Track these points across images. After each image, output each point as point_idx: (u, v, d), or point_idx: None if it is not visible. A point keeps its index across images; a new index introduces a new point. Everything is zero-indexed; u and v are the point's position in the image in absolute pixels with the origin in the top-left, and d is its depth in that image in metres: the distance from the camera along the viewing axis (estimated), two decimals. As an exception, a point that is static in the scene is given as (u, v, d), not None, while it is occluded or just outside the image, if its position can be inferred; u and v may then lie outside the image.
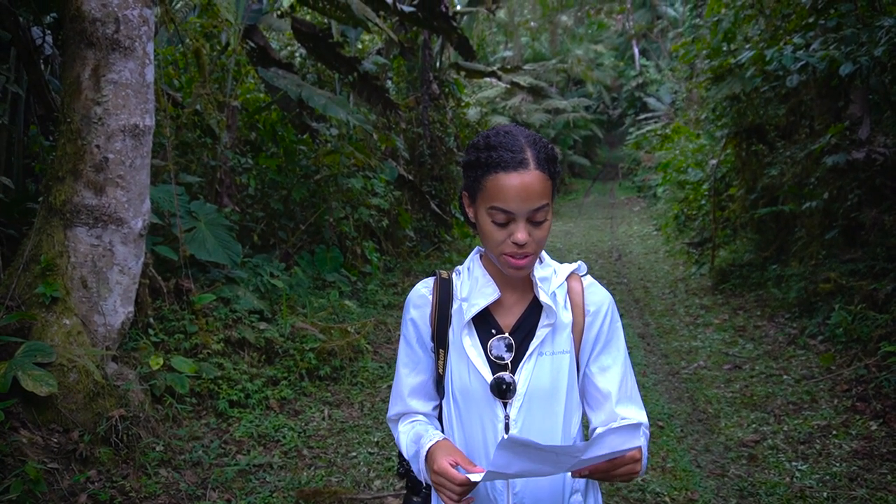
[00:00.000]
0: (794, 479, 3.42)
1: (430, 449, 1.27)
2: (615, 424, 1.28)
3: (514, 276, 1.30)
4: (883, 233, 5.37)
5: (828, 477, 3.40)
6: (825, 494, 3.23)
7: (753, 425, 4.15)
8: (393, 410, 1.44)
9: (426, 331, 1.37)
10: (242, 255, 5.52)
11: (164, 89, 5.22)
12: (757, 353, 5.54)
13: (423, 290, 1.40)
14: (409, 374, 1.41)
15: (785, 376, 4.93)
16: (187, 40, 6.17)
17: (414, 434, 1.36)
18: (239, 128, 6.84)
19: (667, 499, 3.29)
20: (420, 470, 1.30)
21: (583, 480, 1.35)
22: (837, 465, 3.53)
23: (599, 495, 1.41)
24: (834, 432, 3.91)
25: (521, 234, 1.22)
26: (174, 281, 4.57)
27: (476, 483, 1.19)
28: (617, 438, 1.09)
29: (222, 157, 6.00)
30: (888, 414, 3.95)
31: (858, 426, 3.93)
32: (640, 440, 1.11)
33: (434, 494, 1.41)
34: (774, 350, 5.55)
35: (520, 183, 1.20)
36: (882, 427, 3.86)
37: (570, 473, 1.31)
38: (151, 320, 4.22)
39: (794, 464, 3.59)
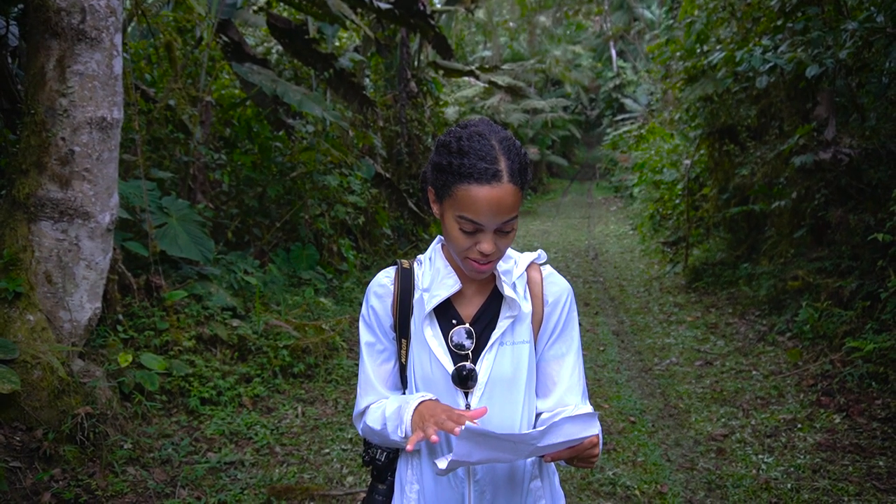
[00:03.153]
0: (760, 472, 3.49)
1: (423, 401, 1.25)
2: (571, 412, 1.28)
3: (476, 278, 1.31)
4: (848, 232, 5.49)
5: (792, 469, 3.48)
6: (789, 486, 3.30)
7: (722, 420, 4.22)
8: (364, 402, 1.40)
9: (388, 321, 1.37)
10: (216, 252, 5.46)
11: (137, 83, 5.14)
12: (727, 350, 5.64)
13: (385, 280, 1.39)
14: (378, 364, 1.39)
15: (754, 372, 5.02)
16: (159, 34, 6.08)
17: (397, 400, 1.32)
18: (213, 123, 6.76)
19: (637, 492, 3.33)
20: (402, 421, 1.25)
21: (539, 467, 1.37)
22: (802, 457, 3.60)
23: (556, 478, 1.43)
24: (799, 426, 4.00)
25: (487, 245, 1.22)
26: (144, 277, 4.51)
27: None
28: (573, 427, 1.10)
29: (195, 152, 5.93)
30: (851, 408, 4.05)
31: (822, 419, 4.02)
32: (597, 428, 1.12)
33: (398, 481, 1.40)
34: (744, 347, 5.65)
35: (492, 197, 1.18)
36: (845, 420, 3.96)
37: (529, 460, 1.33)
38: (121, 317, 4.16)
39: (760, 456, 3.66)
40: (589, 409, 1.31)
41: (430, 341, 1.32)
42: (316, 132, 7.54)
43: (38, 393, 3.07)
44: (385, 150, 10.10)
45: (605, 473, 3.51)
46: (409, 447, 1.15)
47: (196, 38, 6.63)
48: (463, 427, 1.06)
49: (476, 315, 1.34)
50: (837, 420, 3.98)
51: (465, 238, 1.23)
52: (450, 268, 1.35)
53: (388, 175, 9.26)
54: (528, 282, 1.36)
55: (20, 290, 3.10)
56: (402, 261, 1.40)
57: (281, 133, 7.44)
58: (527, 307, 1.34)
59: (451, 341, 1.32)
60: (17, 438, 2.97)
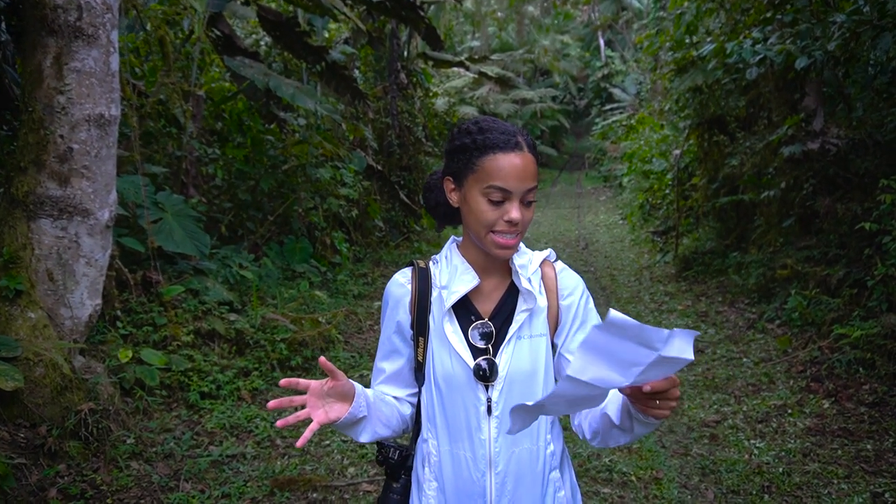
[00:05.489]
0: (752, 456, 3.58)
1: None
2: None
3: (501, 257, 1.33)
4: (836, 220, 5.59)
5: (783, 453, 3.57)
6: (780, 469, 3.39)
7: (715, 406, 4.31)
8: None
9: (406, 319, 1.40)
10: (210, 246, 5.46)
11: (127, 78, 5.11)
12: (718, 338, 5.73)
13: (402, 280, 1.42)
14: (385, 363, 1.45)
15: (744, 359, 5.12)
16: (149, 27, 6.03)
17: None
18: (204, 117, 6.74)
19: (633, 478, 3.41)
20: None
21: (559, 458, 1.41)
22: (792, 441, 3.70)
23: (573, 472, 1.48)
24: (789, 411, 4.09)
25: (515, 213, 1.27)
26: (141, 273, 4.52)
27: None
28: (679, 342, 1.02)
29: (188, 147, 5.91)
30: (839, 393, 4.15)
31: (812, 405, 4.13)
32: (692, 353, 1.02)
33: (415, 480, 1.44)
34: (735, 334, 5.75)
35: (516, 163, 1.26)
36: (833, 405, 4.06)
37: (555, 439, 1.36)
38: (119, 313, 4.17)
39: (752, 442, 3.75)
40: None
41: (450, 337, 1.35)
42: (308, 125, 7.53)
43: (41, 390, 3.09)
44: (376, 142, 10.10)
45: (601, 460, 3.59)
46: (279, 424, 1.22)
47: (185, 31, 6.59)
48: (599, 323, 0.99)
49: (494, 310, 1.38)
50: (826, 405, 4.08)
51: (492, 210, 1.28)
52: (467, 264, 1.38)
53: (379, 167, 9.27)
54: (543, 277, 1.40)
55: (21, 287, 3.10)
56: (418, 261, 1.44)
57: (273, 126, 7.42)
58: (542, 301, 1.38)
59: (471, 337, 1.35)
60: (22, 435, 2.99)
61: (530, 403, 1.08)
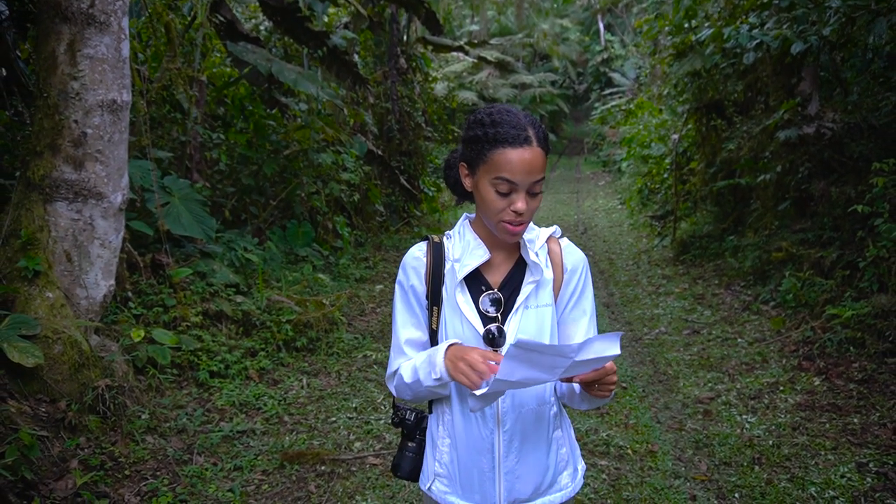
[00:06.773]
0: (744, 431, 3.71)
1: (451, 345, 1.39)
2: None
3: (509, 241, 1.46)
4: (830, 204, 5.69)
5: (774, 427, 3.71)
6: (770, 442, 3.53)
7: (709, 384, 4.44)
8: (395, 364, 1.53)
9: (421, 290, 1.51)
10: (215, 230, 5.55)
11: (133, 64, 5.16)
12: (714, 319, 5.86)
13: (418, 253, 1.53)
14: (407, 331, 1.53)
15: (739, 339, 5.25)
16: (150, 12, 6.06)
17: (424, 355, 1.46)
18: (207, 103, 6.80)
19: (629, 451, 3.55)
20: (435, 364, 1.39)
21: (560, 418, 1.53)
22: (783, 416, 3.84)
23: (572, 431, 1.61)
24: (781, 388, 4.23)
25: (521, 204, 1.37)
26: (150, 256, 4.62)
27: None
28: (601, 344, 1.22)
29: (192, 132, 5.99)
30: (830, 371, 4.28)
31: (803, 382, 4.26)
32: (619, 348, 1.22)
33: (429, 437, 1.56)
34: (730, 316, 5.87)
35: (524, 158, 1.34)
36: (824, 382, 4.19)
37: (557, 386, 1.50)
38: (130, 294, 4.28)
39: (744, 417, 3.89)
40: None
41: (462, 307, 1.46)
42: (309, 110, 7.58)
43: (60, 367, 3.20)
44: (376, 127, 10.15)
45: (599, 435, 3.72)
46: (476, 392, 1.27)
47: (187, 16, 6.63)
48: (511, 345, 1.16)
49: (503, 281, 1.49)
50: (817, 382, 4.22)
51: (500, 200, 1.38)
52: (479, 240, 1.50)
53: (379, 152, 9.33)
54: (549, 252, 1.52)
55: (39, 268, 3.21)
56: (433, 236, 1.55)
57: (275, 111, 7.48)
58: (549, 274, 1.49)
59: (481, 306, 1.47)
60: (43, 410, 3.11)
61: (478, 393, 1.25)
